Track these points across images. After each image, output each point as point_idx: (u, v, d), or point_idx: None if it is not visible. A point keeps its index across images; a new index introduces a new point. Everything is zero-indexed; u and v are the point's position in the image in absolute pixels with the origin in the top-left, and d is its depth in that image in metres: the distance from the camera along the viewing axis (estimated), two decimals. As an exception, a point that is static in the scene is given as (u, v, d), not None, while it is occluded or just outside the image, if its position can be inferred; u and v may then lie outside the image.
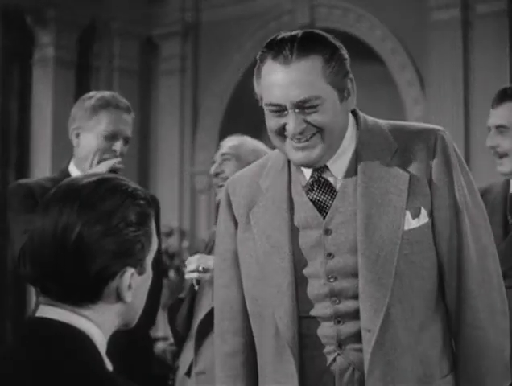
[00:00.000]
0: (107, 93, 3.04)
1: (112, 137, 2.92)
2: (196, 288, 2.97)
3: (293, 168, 2.05)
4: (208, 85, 8.17)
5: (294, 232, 2.00)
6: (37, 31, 7.85)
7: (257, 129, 8.17)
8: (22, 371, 1.41)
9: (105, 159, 2.91)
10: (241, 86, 7.82)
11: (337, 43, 1.97)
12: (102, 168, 2.83)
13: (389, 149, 1.99)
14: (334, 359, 1.97)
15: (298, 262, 1.99)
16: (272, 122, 1.96)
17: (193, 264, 2.86)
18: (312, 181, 2.01)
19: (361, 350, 1.94)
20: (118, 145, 2.91)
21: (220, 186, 2.99)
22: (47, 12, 7.74)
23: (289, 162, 2.05)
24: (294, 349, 1.97)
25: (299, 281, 1.99)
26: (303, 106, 1.91)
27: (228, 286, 2.10)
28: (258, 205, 2.05)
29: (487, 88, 5.99)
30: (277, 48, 1.93)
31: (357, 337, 1.95)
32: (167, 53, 8.38)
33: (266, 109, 1.96)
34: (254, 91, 2.00)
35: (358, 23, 7.38)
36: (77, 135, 2.96)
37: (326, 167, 2.00)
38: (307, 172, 2.02)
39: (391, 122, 2.07)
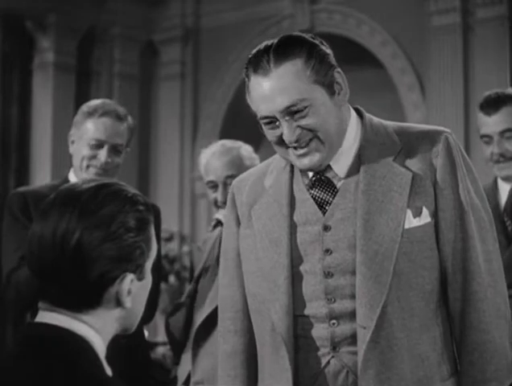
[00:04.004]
0: (100, 101, 3.02)
1: (97, 145, 2.89)
2: (210, 229, 3.12)
3: (296, 167, 2.04)
4: (209, 90, 8.17)
5: (293, 228, 2.00)
6: (37, 36, 7.85)
7: (257, 134, 8.17)
8: (22, 376, 1.41)
9: (90, 166, 2.89)
10: (242, 91, 7.78)
11: (315, 40, 1.96)
12: None
13: (393, 148, 1.98)
14: (328, 362, 1.96)
15: (295, 258, 1.99)
16: (269, 135, 1.97)
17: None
18: (314, 179, 2.01)
19: (355, 353, 1.93)
20: (102, 154, 2.88)
21: None
22: (47, 17, 7.75)
23: None
24: (288, 344, 1.96)
25: (296, 278, 1.98)
26: (291, 112, 1.91)
27: (230, 285, 2.11)
28: (260, 202, 2.05)
29: (487, 93, 5.98)
30: (255, 62, 1.94)
31: (351, 339, 1.94)
32: (168, 58, 8.38)
33: (261, 123, 1.97)
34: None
35: (358, 28, 7.38)
36: (72, 142, 2.95)
37: (329, 166, 1.99)
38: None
39: (397, 123, 2.06)
